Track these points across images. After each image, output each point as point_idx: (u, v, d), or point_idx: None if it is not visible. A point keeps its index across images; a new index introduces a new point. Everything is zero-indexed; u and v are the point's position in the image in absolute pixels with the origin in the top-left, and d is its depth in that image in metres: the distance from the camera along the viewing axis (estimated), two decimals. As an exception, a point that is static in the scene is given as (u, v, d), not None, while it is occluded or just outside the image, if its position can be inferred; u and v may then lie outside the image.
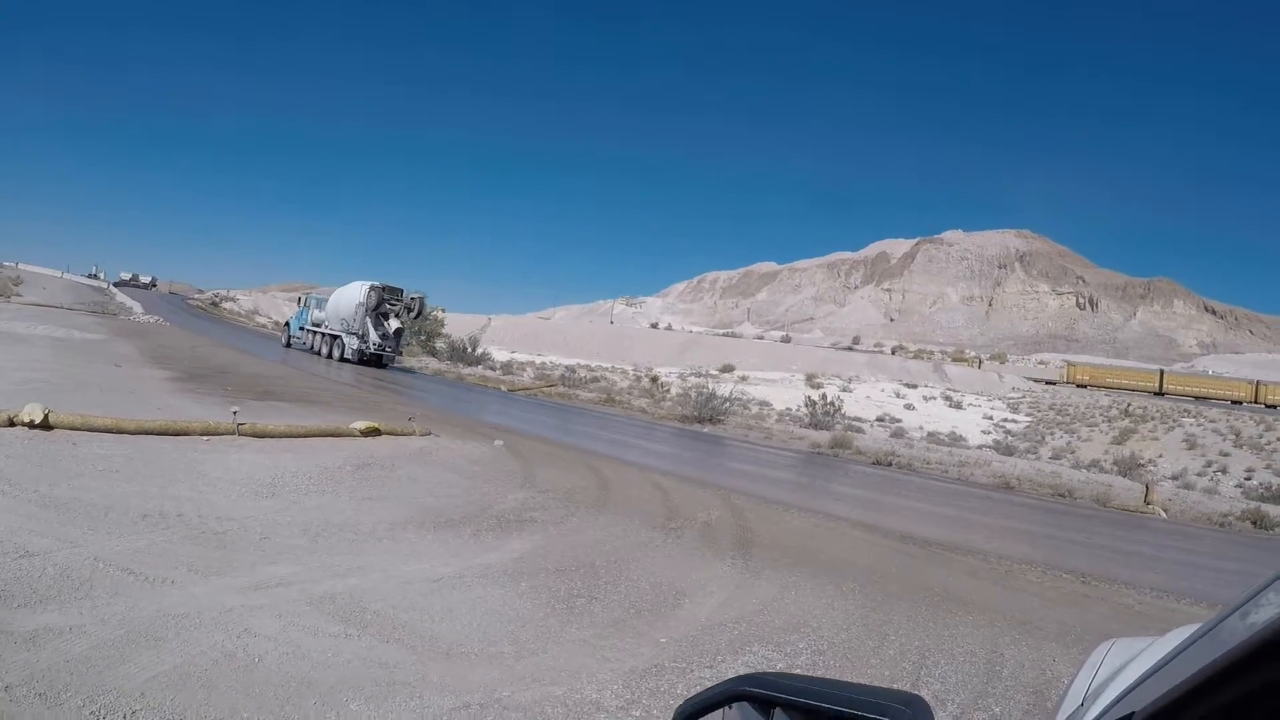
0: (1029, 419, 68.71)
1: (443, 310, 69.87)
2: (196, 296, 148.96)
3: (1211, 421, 64.94)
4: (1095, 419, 68.73)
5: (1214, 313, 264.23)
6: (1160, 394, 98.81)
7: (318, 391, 24.86)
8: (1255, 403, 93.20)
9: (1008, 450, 41.14)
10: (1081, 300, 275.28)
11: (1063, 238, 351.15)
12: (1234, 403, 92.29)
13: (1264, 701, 0.85)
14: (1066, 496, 23.50)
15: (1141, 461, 38.96)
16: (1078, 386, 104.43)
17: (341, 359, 44.07)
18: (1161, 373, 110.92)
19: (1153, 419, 67.52)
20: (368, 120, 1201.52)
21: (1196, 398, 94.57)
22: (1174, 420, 66.32)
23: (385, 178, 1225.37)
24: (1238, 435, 58.06)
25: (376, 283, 44.19)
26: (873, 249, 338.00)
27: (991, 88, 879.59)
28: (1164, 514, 22.09)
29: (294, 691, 5.16)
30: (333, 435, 15.50)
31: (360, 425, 16.11)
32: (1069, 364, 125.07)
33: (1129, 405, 78.07)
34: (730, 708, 1.42)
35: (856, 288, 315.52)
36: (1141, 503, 23.04)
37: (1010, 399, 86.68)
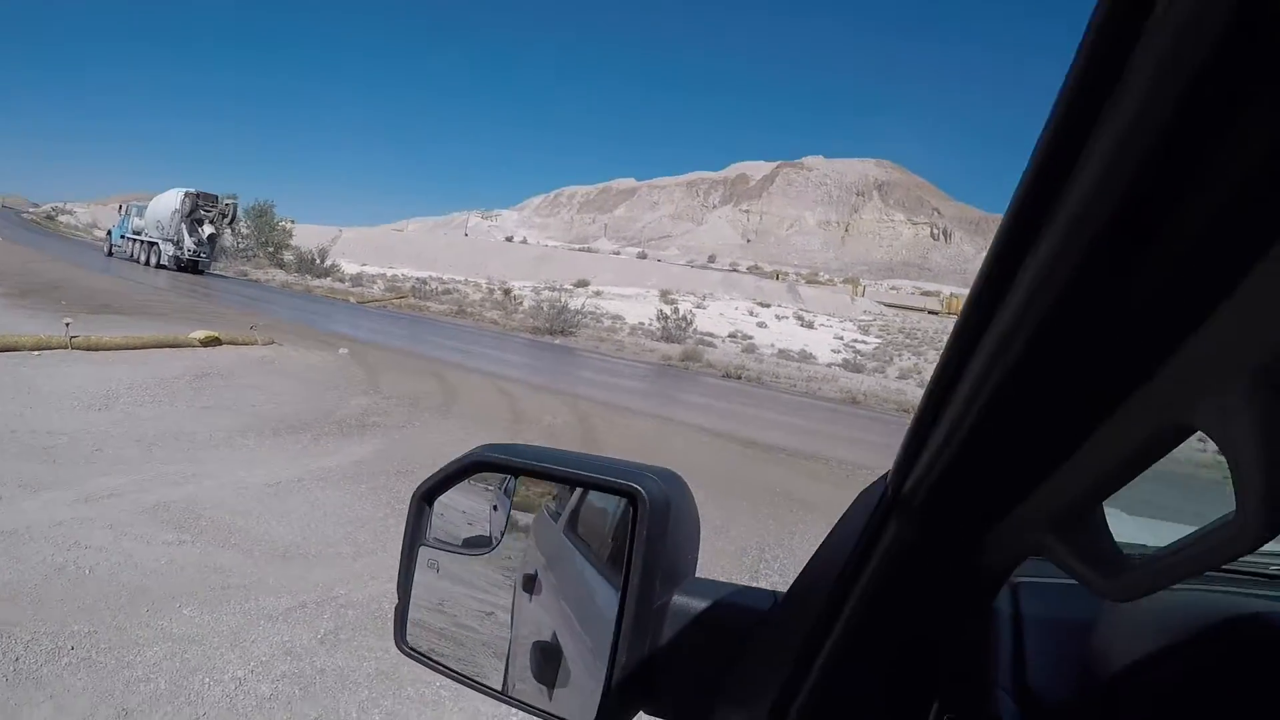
0: (879, 340, 70.46)
1: (292, 222, 68.16)
2: (31, 210, 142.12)
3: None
4: (943, 342, 71.01)
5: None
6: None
7: (157, 304, 24.07)
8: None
9: (856, 368, 42.21)
10: (936, 231, 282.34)
11: (921, 170, 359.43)
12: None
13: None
14: (911, 412, 23.92)
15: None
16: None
17: (159, 266, 43.86)
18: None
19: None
20: (221, 21, 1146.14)
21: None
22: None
23: (236, 82, 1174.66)
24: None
25: (191, 189, 44.52)
26: (733, 170, 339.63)
27: (860, 15, 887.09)
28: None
29: (126, 601, 5.11)
30: (171, 346, 15.05)
31: (200, 335, 15.69)
32: (952, 295, 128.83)
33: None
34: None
35: (715, 207, 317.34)
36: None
37: (861, 321, 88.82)
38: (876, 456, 14.58)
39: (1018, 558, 0.93)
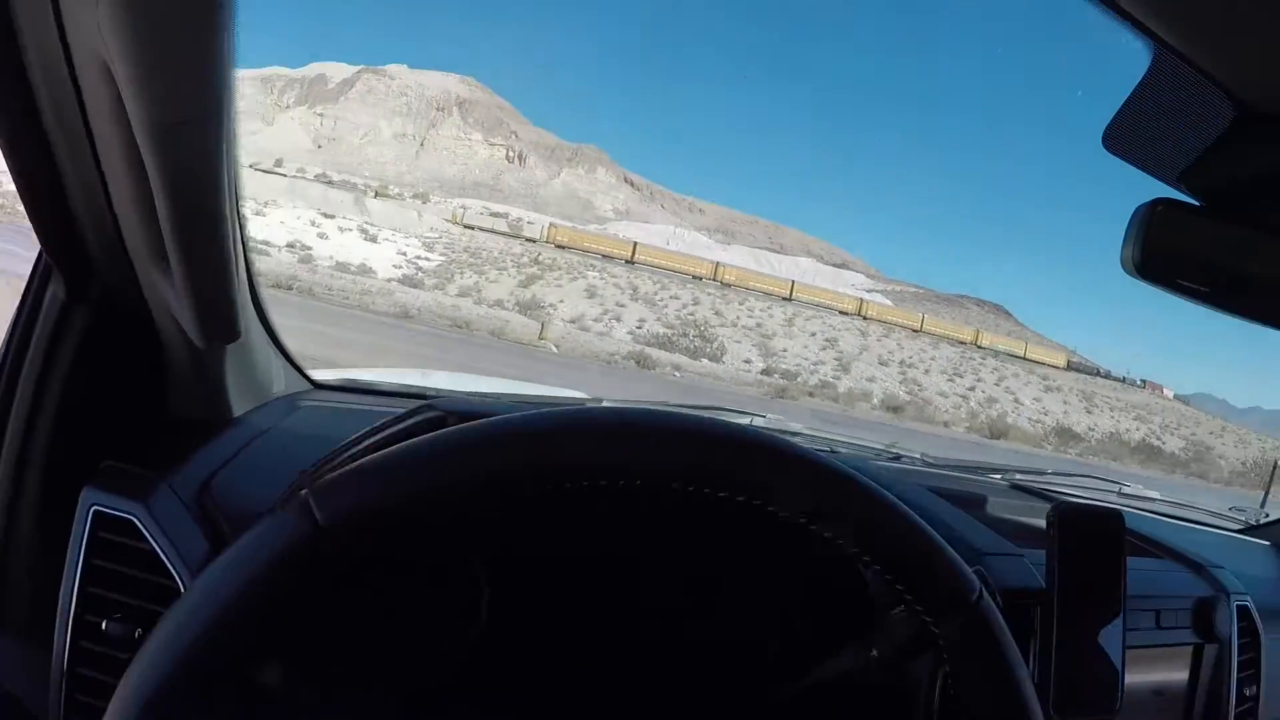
0: (443, 258, 70.04)
1: None
2: None
3: (614, 277, 70.16)
4: (506, 264, 71.52)
5: (632, 184, 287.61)
6: (631, 263, 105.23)
7: None
8: (713, 279, 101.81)
9: (415, 284, 41.87)
10: (512, 154, 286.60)
11: (504, 92, 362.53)
12: (696, 277, 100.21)
13: None
14: (464, 328, 24.18)
15: (543, 304, 41.10)
16: (557, 247, 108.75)
17: None
18: (635, 245, 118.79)
19: (560, 269, 71.50)
20: None
21: (663, 268, 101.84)
22: (579, 272, 70.65)
23: None
24: (635, 290, 63.25)
25: None
26: (313, 69, 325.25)
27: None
28: (555, 349, 23.51)
29: None
30: None
31: None
32: (553, 225, 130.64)
33: (539, 255, 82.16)
34: None
35: (289, 108, 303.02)
36: (536, 338, 24.30)
37: (427, 238, 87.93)
38: (410, 366, 13.95)
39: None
